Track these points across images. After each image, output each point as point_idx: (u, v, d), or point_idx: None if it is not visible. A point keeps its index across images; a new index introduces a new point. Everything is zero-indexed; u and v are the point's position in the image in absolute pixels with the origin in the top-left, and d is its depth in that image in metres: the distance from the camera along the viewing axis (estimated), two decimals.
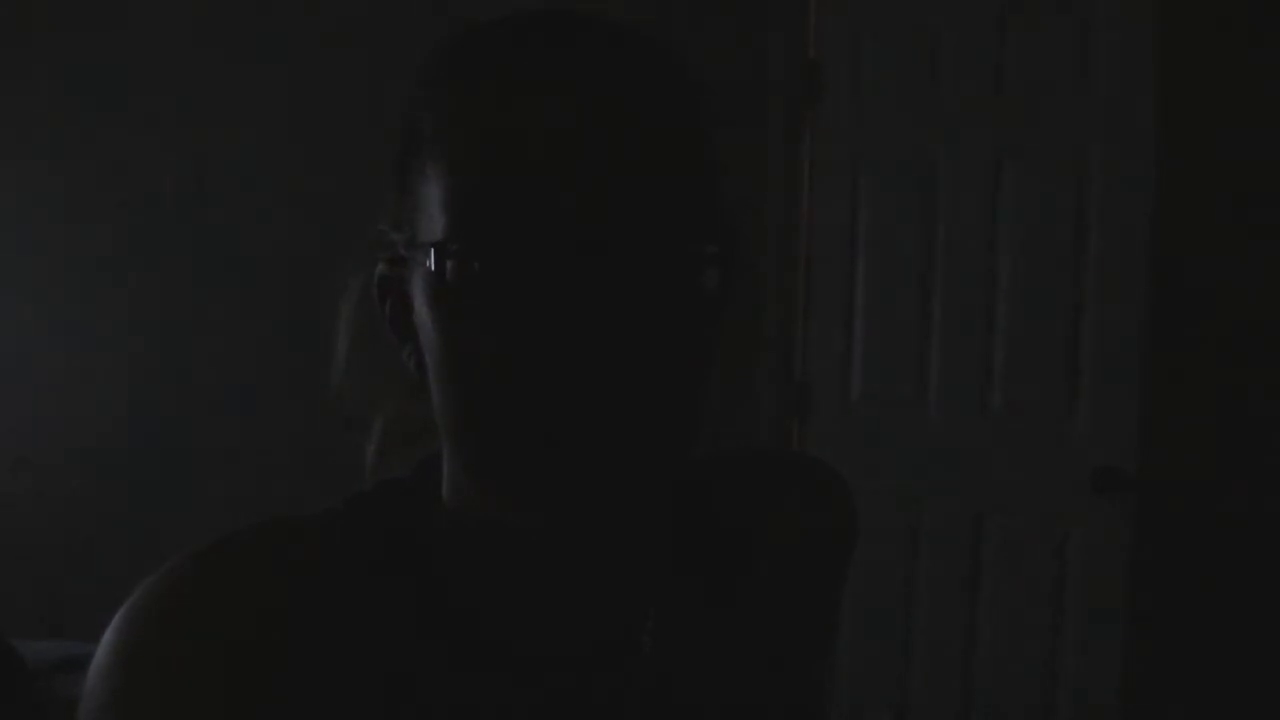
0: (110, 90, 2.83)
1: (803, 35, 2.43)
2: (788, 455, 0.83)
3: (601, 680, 0.54)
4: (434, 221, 0.48)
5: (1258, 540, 2.17)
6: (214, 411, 2.78)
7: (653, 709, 0.55)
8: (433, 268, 0.46)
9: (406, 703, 0.50)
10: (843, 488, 0.69)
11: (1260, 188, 2.14)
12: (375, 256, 0.55)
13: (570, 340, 0.44)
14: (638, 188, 0.46)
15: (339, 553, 0.52)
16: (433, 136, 0.48)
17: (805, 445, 2.45)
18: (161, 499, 2.76)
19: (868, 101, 2.38)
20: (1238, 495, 2.17)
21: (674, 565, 0.58)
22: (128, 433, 2.84)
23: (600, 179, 0.45)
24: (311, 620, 0.48)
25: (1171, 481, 2.18)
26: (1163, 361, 2.16)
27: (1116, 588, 2.18)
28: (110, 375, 2.86)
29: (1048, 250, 2.22)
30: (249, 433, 2.74)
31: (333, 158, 2.64)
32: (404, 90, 0.53)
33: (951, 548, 2.33)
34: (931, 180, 2.32)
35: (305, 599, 0.49)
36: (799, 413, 2.48)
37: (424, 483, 0.57)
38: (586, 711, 0.53)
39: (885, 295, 2.38)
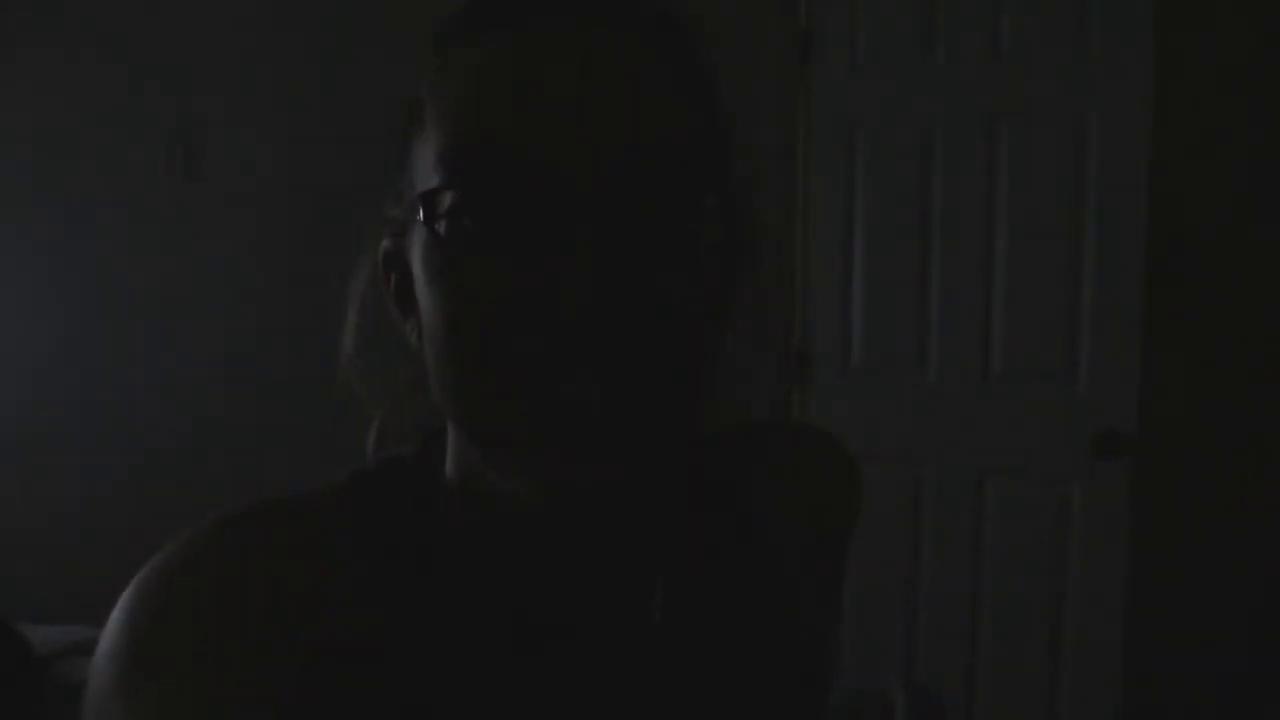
0: (101, 66, 2.81)
1: (797, 1, 2.40)
2: (792, 425, 0.83)
3: (612, 652, 0.54)
4: (429, 182, 0.47)
5: (1256, 502, 2.17)
6: (217, 392, 2.78)
7: (664, 680, 0.55)
8: (423, 221, 0.46)
9: (416, 676, 0.49)
10: (846, 457, 0.69)
11: (1259, 150, 2.13)
12: (381, 235, 0.55)
13: (566, 298, 0.43)
14: (635, 142, 0.45)
15: (346, 528, 0.52)
16: (429, 101, 0.48)
17: (806, 413, 2.45)
18: (165, 480, 2.77)
19: (863, 67, 2.36)
20: (1237, 458, 2.17)
21: (682, 536, 0.58)
22: (132, 413, 2.84)
23: (597, 135, 0.45)
24: (322, 596, 0.48)
25: (1171, 444, 2.19)
26: (1162, 324, 2.16)
27: (1117, 550, 2.19)
28: (109, 356, 2.85)
29: (1046, 214, 2.21)
30: (253, 413, 2.74)
31: (339, 134, 2.62)
32: (409, 62, 0.53)
33: (953, 512, 2.34)
34: (929, 145, 2.31)
35: (314, 575, 0.49)
36: (799, 380, 2.48)
37: (428, 457, 0.56)
38: (597, 684, 0.53)
39: (884, 261, 2.37)
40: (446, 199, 0.45)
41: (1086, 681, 2.24)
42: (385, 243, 0.55)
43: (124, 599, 0.46)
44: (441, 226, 0.45)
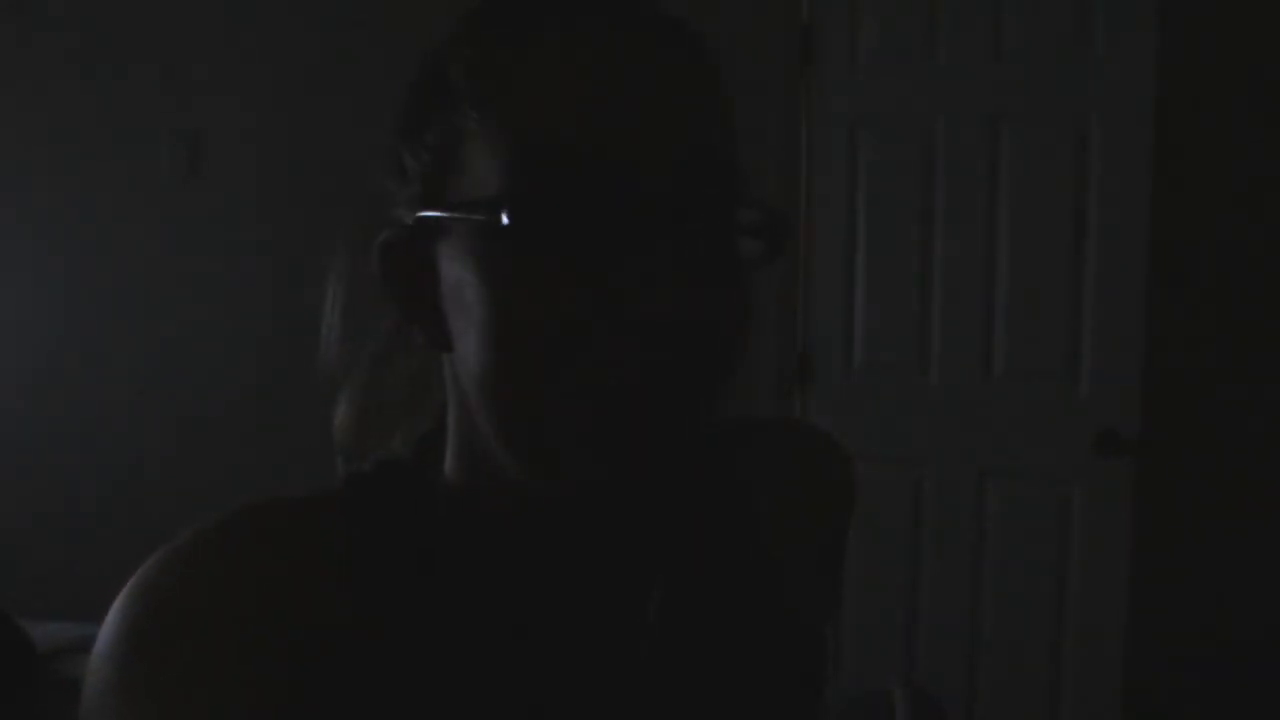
0: (104, 65, 2.81)
1: (798, 0, 2.40)
2: (788, 424, 0.82)
3: (609, 652, 0.54)
4: (483, 182, 0.46)
5: (1256, 502, 2.17)
6: (217, 391, 2.78)
7: (659, 680, 0.55)
8: (493, 229, 0.44)
9: (415, 678, 0.50)
10: (842, 455, 0.69)
11: (1260, 150, 2.12)
12: (373, 225, 0.53)
13: (663, 300, 0.43)
14: (704, 153, 0.46)
15: (346, 530, 0.51)
16: (479, 93, 0.47)
17: (808, 413, 2.45)
18: (165, 478, 2.77)
19: (864, 66, 2.36)
20: (1237, 458, 2.17)
21: (682, 536, 0.58)
22: (132, 411, 2.84)
23: (679, 142, 0.45)
24: (322, 596, 0.48)
25: (1172, 444, 2.19)
26: (1164, 324, 2.16)
27: (1118, 549, 2.19)
28: (109, 354, 2.85)
29: (1048, 213, 2.21)
30: (253, 412, 2.74)
31: (341, 134, 2.62)
32: (409, 62, 0.52)
33: (953, 512, 2.34)
34: (930, 144, 2.31)
35: (314, 575, 0.49)
36: (801, 380, 2.48)
37: (424, 462, 0.56)
38: (595, 684, 0.53)
39: (886, 261, 2.37)
40: (522, 207, 0.44)
41: (1087, 681, 2.24)
42: (385, 235, 0.52)
43: (123, 596, 0.46)
44: (519, 235, 0.44)
